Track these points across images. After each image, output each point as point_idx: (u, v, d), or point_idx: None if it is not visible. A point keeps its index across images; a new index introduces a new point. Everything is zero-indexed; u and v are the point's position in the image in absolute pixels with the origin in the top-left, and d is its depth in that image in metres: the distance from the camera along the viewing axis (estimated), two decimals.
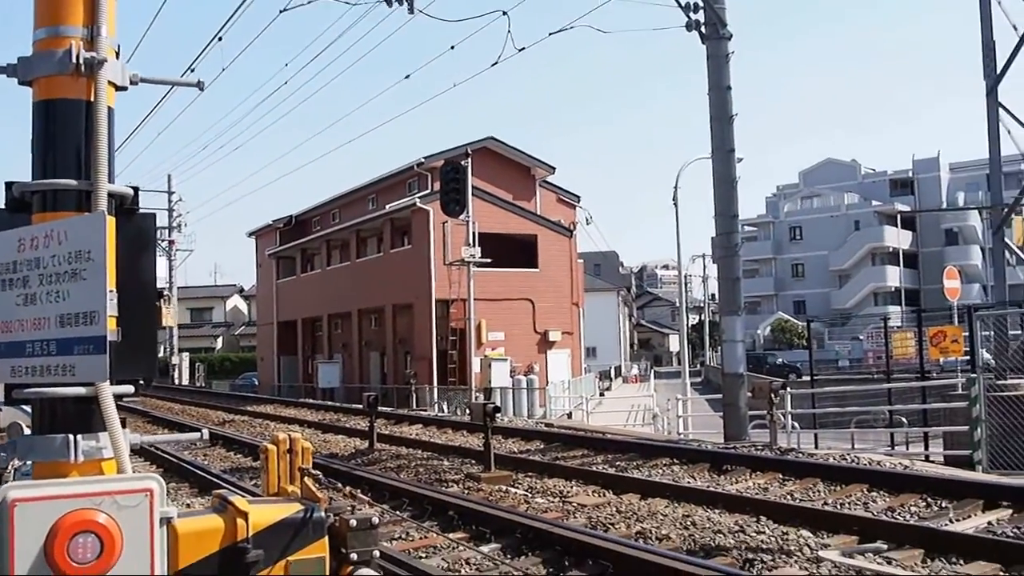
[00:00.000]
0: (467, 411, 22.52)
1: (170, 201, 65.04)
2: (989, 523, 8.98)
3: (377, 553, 3.70)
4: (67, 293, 3.14)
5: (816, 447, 18.61)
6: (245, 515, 3.29)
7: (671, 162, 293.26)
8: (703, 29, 17.97)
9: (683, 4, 17.95)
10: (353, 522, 3.60)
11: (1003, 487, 10.33)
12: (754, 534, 8.72)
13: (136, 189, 3.46)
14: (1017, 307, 22.39)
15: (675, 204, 38.07)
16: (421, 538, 9.39)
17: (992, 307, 23.46)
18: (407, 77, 33.62)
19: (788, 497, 10.84)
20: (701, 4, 17.87)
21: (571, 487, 12.18)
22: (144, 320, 3.46)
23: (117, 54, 3.42)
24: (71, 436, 3.20)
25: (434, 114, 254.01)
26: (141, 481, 2.88)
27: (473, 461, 15.01)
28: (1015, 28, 19.94)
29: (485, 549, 8.64)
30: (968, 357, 20.83)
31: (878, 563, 7.51)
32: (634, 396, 40.91)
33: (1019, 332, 19.99)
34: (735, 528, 8.98)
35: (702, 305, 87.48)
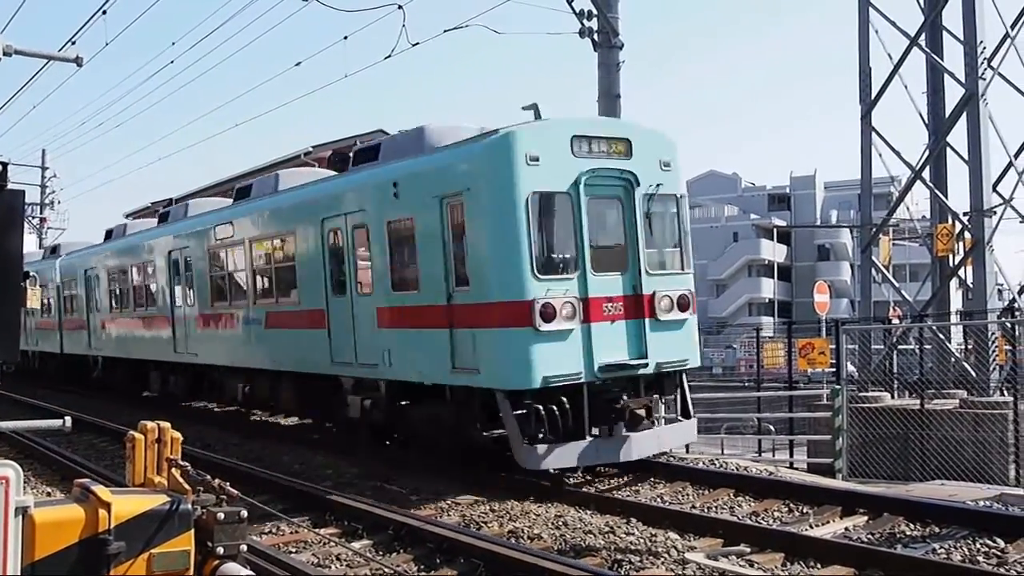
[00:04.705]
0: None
1: (43, 177, 62.32)
2: (846, 528, 9.36)
3: (245, 547, 3.65)
4: None
5: (687, 451, 19.02)
6: (108, 505, 3.20)
7: None
8: (596, 37, 18.20)
9: (578, 11, 18.15)
10: (221, 515, 3.55)
11: (860, 495, 10.79)
12: (624, 535, 8.88)
13: (5, 164, 3.32)
14: (881, 323, 23.38)
15: None
16: (292, 533, 9.27)
17: (858, 322, 24.43)
18: (298, 64, 32.92)
19: (658, 500, 11.06)
20: (595, 13, 18.11)
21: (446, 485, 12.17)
22: (7, 301, 3.33)
23: None
24: None
25: (324, 105, 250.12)
26: None
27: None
28: (890, 57, 20.80)
29: (356, 545, 8.58)
30: (834, 369, 21.64)
31: (741, 565, 7.75)
32: None
33: (882, 347, 20.85)
34: (606, 529, 9.13)
35: None
